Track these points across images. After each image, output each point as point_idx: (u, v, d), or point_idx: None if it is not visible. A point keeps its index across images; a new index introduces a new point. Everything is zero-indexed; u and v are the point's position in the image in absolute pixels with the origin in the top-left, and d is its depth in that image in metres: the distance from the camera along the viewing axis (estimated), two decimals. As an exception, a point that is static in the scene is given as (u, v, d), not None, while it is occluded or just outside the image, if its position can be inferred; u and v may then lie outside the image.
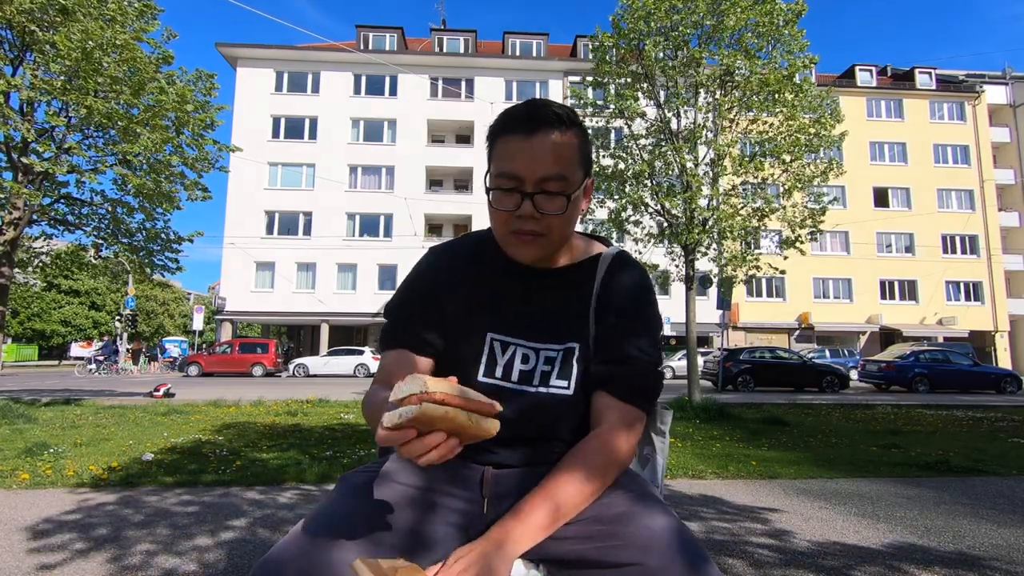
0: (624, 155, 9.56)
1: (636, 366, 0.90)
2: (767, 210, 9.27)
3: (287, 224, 27.74)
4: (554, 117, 0.86)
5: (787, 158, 9.02)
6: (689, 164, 9.08)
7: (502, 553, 0.72)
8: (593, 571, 0.74)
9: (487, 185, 0.89)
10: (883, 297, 29.64)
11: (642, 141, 9.64)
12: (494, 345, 0.92)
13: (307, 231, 27.67)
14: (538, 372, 0.91)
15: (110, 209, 9.01)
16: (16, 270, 8.94)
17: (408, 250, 24.88)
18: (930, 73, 32.17)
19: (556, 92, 28.86)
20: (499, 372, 0.91)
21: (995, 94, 32.94)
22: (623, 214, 9.59)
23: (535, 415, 0.89)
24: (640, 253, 9.91)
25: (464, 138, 29.92)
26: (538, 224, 0.85)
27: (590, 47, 10.20)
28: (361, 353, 22.28)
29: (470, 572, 0.69)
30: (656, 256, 10.49)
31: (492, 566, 0.69)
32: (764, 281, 28.11)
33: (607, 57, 9.54)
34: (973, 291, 30.24)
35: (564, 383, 0.90)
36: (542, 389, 0.90)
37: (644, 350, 0.91)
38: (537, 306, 0.94)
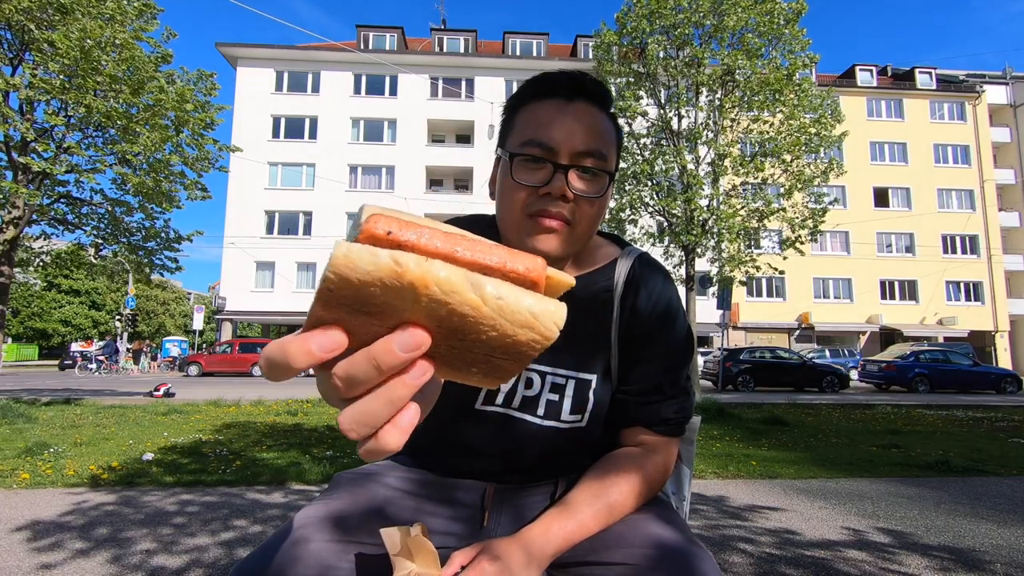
0: (624, 155, 9.58)
1: (672, 399, 0.82)
2: (767, 211, 9.28)
3: (287, 224, 27.73)
4: (595, 88, 0.75)
5: (787, 158, 9.04)
6: (690, 164, 9.09)
7: (535, 556, 0.66)
8: (587, 568, 0.70)
9: (505, 156, 0.75)
10: (883, 297, 29.63)
11: (643, 140, 9.64)
12: None
13: (307, 231, 27.67)
14: (543, 400, 0.80)
15: (110, 208, 9.01)
16: (16, 269, 8.94)
17: (408, 250, 24.83)
18: (930, 73, 32.16)
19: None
20: (500, 399, 0.81)
21: (995, 94, 32.92)
22: (622, 213, 9.60)
23: (542, 446, 0.81)
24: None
25: (464, 138, 29.90)
26: (567, 209, 0.72)
27: (593, 44, 10.20)
28: (361, 353, 22.22)
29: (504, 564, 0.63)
30: (655, 256, 10.50)
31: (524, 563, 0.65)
32: (764, 281, 28.11)
33: (609, 55, 9.55)
34: (973, 291, 30.23)
35: (577, 417, 0.81)
36: (549, 422, 0.80)
37: (677, 377, 0.83)
38: None
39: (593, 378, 0.81)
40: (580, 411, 0.80)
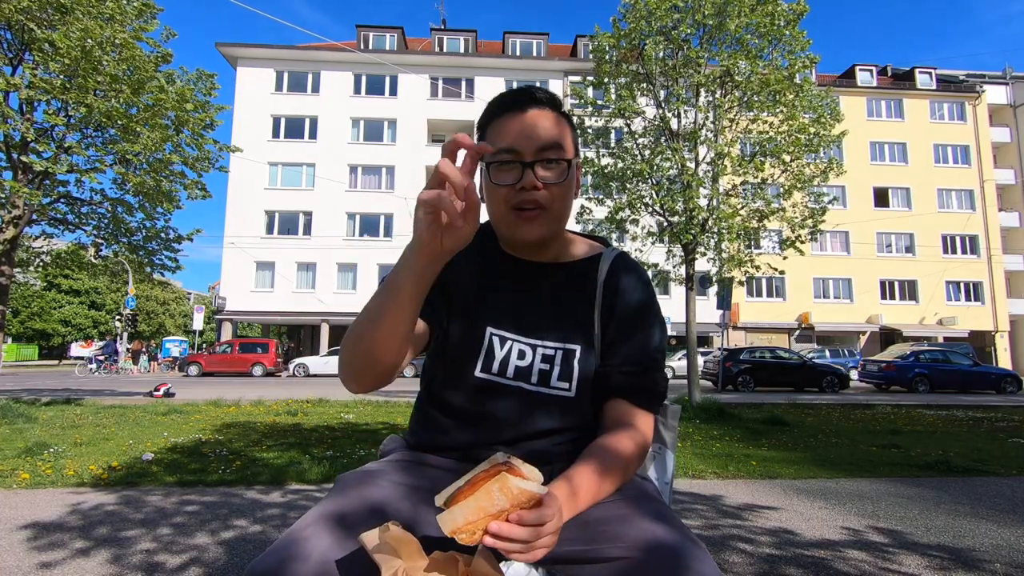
0: (624, 154, 9.55)
1: (650, 372, 0.92)
2: (767, 211, 9.26)
3: (287, 224, 27.73)
4: (543, 95, 0.90)
5: (787, 158, 9.01)
6: (689, 163, 9.07)
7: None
8: (584, 567, 0.73)
9: (483, 165, 0.88)
10: (883, 297, 29.63)
11: (641, 140, 9.61)
12: (493, 339, 0.91)
13: (307, 231, 27.66)
14: (535, 370, 0.90)
15: (110, 208, 9.01)
16: (16, 269, 8.93)
17: (408, 250, 24.85)
18: (930, 73, 32.15)
19: (556, 92, 28.50)
20: (495, 367, 0.90)
21: (995, 94, 32.92)
22: (622, 213, 9.58)
23: (535, 414, 0.89)
24: (640, 252, 9.90)
25: (464, 138, 29.86)
26: (540, 196, 0.86)
27: (590, 47, 10.17)
28: (361, 353, 22.24)
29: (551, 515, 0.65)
30: (656, 256, 10.48)
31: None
32: (764, 281, 28.10)
33: (606, 57, 9.52)
34: (973, 291, 30.23)
35: (565, 384, 0.90)
36: (542, 389, 0.90)
37: (655, 355, 0.93)
38: (537, 302, 0.93)
39: (577, 348, 0.91)
40: (568, 379, 0.90)
